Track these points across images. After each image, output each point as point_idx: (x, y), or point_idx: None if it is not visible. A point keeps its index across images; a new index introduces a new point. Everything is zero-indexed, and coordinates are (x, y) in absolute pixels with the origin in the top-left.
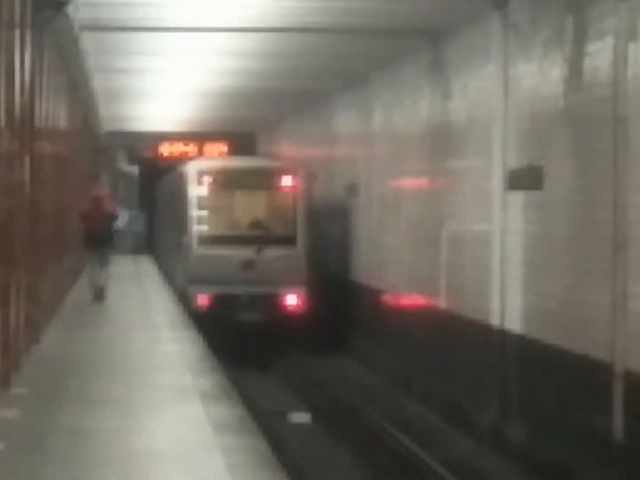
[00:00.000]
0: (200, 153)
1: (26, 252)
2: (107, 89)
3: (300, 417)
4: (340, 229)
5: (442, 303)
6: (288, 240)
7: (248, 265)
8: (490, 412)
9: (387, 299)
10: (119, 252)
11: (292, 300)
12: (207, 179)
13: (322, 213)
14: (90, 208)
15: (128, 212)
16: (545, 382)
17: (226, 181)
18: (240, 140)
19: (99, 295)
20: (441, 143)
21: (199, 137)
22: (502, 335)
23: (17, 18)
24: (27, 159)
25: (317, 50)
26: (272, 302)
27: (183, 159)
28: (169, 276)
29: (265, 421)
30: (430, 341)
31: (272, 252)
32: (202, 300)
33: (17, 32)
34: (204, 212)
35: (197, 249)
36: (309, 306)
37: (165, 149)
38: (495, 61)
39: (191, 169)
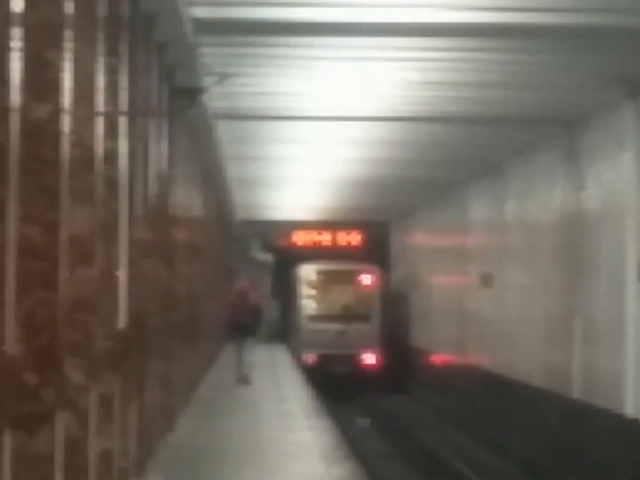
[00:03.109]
0: (334, 242)
1: (160, 340)
2: (241, 176)
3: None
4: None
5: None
6: (366, 318)
7: (340, 335)
8: None
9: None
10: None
11: (369, 359)
12: (312, 277)
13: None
14: (236, 300)
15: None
16: None
17: (325, 279)
18: (374, 229)
19: (244, 380)
20: (574, 232)
21: (333, 226)
22: (637, 424)
23: (153, 106)
24: (161, 247)
25: (451, 139)
26: (356, 360)
27: (317, 247)
28: (290, 345)
29: None
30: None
31: (355, 326)
32: (310, 358)
33: (153, 121)
34: (311, 300)
35: (305, 325)
36: (382, 363)
37: (299, 238)
38: (629, 150)
39: (301, 270)
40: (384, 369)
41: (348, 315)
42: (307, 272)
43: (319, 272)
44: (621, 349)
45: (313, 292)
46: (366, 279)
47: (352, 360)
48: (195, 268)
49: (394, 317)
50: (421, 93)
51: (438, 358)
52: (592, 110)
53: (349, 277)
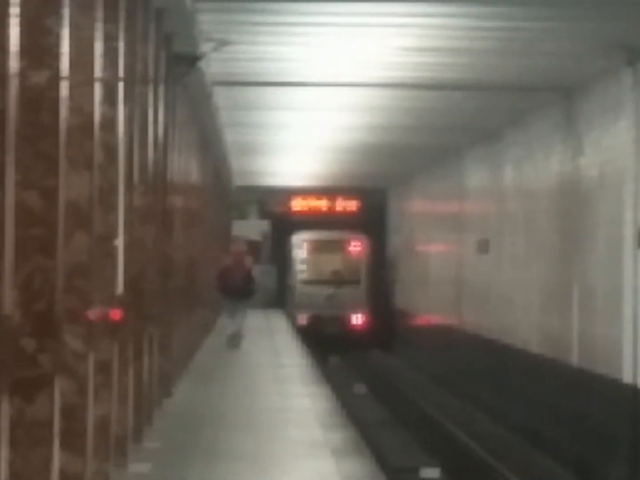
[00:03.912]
0: (332, 208)
1: (158, 306)
2: (239, 143)
3: (431, 473)
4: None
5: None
6: (354, 283)
7: (330, 298)
8: None
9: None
10: (250, 307)
11: (356, 320)
12: (305, 245)
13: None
14: (230, 263)
15: (260, 267)
16: None
17: (317, 247)
18: (371, 196)
19: (235, 344)
20: (572, 199)
21: (330, 192)
22: (635, 391)
23: (151, 73)
24: (159, 214)
25: (448, 105)
26: (344, 321)
27: (314, 214)
28: (286, 308)
29: (396, 478)
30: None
31: (344, 290)
32: (302, 319)
33: (150, 87)
34: (304, 266)
35: (299, 288)
36: (368, 323)
37: (297, 204)
38: (627, 117)
39: (295, 238)
40: (373, 329)
41: (338, 280)
42: (301, 240)
43: (312, 241)
44: (619, 316)
45: (306, 258)
46: (354, 246)
47: (341, 321)
48: (192, 234)
49: (383, 282)
50: (419, 59)
51: (435, 323)
52: (590, 77)
53: (339, 245)
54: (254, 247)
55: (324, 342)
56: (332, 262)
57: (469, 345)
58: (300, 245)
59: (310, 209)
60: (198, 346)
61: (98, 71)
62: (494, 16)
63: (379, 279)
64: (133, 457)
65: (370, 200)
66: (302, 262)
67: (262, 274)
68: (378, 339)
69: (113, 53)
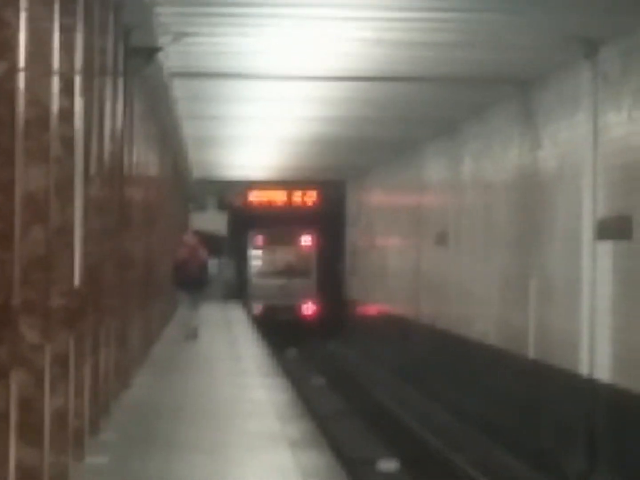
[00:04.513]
0: (290, 201)
1: (115, 299)
2: (197, 136)
3: (388, 465)
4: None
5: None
6: (304, 274)
7: (282, 288)
8: None
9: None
10: (208, 299)
11: (307, 309)
12: (260, 240)
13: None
14: (185, 256)
15: (218, 260)
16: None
17: (270, 241)
18: (330, 188)
19: (192, 334)
20: (530, 192)
21: (289, 185)
22: (591, 384)
23: (109, 65)
24: (116, 206)
25: (407, 98)
26: (295, 310)
27: (272, 207)
28: (242, 298)
29: (353, 470)
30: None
31: (295, 281)
32: (257, 309)
33: (108, 80)
34: (258, 259)
35: (254, 280)
36: (318, 312)
37: (255, 197)
38: (585, 110)
39: (250, 234)
40: (324, 318)
41: (289, 272)
42: (255, 235)
43: (265, 236)
44: (576, 308)
45: (260, 252)
46: (305, 241)
47: (293, 309)
48: (150, 227)
49: (337, 273)
50: (377, 52)
51: (393, 315)
52: (548, 69)
53: (290, 240)
54: (217, 241)
55: (278, 330)
56: (284, 256)
57: (426, 337)
58: (255, 240)
59: (268, 202)
60: (156, 338)
61: (56, 63)
62: (452, 9)
63: (333, 271)
64: (90, 450)
65: (328, 192)
66: (257, 255)
67: (221, 266)
68: (329, 328)
69: (71, 45)
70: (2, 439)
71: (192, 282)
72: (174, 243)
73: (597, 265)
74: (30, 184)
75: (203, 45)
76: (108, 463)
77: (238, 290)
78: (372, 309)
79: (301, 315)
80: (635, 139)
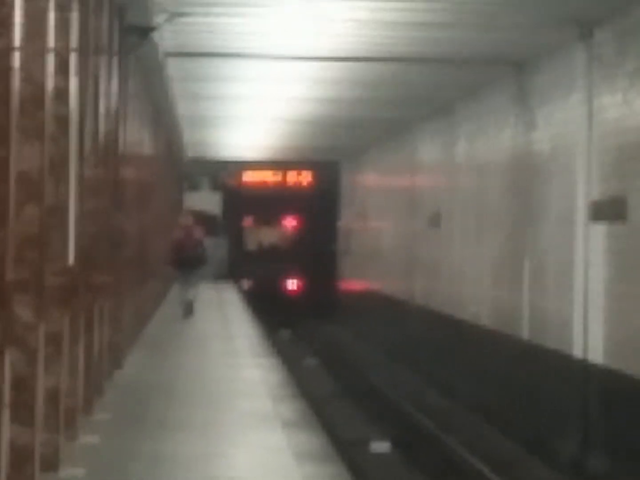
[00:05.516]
0: (284, 181)
1: (109, 278)
2: (192, 115)
3: (381, 447)
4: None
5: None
6: (289, 253)
7: (269, 266)
8: None
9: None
10: (202, 279)
11: (291, 285)
12: (250, 222)
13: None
14: (181, 236)
15: (212, 240)
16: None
17: (259, 222)
18: (324, 169)
19: (188, 310)
20: (524, 174)
21: (283, 165)
22: (585, 365)
23: (104, 44)
24: (110, 185)
25: (401, 79)
26: (281, 285)
27: (266, 187)
28: (233, 274)
29: (346, 451)
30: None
31: (281, 259)
32: (247, 284)
33: (103, 58)
34: (248, 238)
35: (244, 257)
36: (303, 289)
37: (249, 177)
38: (579, 92)
39: (242, 214)
40: (310, 295)
41: (276, 250)
42: (246, 216)
43: (255, 217)
44: (570, 290)
45: (250, 232)
46: (290, 222)
47: (278, 285)
48: (145, 206)
49: (327, 253)
50: (372, 32)
51: (386, 295)
52: (542, 51)
53: (277, 222)
54: (211, 221)
55: (267, 306)
56: (272, 236)
57: (419, 318)
58: (246, 221)
59: (262, 182)
60: (150, 317)
61: (51, 42)
62: None
63: (323, 250)
64: (83, 429)
65: (322, 173)
66: (247, 235)
67: (215, 246)
68: (320, 306)
69: (66, 24)
70: None
71: (190, 262)
72: (170, 222)
73: (591, 247)
74: (25, 163)
75: (198, 24)
76: (101, 442)
77: (230, 270)
78: (365, 289)
79: (286, 290)
80: (629, 121)
